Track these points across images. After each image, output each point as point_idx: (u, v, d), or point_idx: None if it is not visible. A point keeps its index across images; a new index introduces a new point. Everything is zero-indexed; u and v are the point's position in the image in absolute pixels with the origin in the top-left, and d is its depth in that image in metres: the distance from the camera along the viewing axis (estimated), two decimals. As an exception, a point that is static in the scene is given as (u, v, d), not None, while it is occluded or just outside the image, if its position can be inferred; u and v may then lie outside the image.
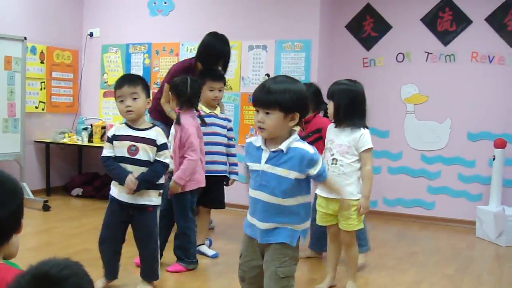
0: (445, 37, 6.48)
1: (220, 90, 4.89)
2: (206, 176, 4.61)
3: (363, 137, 3.79)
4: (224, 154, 4.90)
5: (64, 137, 7.32)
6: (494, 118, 6.30)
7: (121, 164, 3.65)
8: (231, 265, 4.74)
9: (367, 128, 3.87)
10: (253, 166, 2.86)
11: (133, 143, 3.64)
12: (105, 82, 7.80)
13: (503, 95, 6.28)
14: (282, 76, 2.94)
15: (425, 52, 6.57)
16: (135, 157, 3.64)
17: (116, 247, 3.83)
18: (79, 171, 7.86)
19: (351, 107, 3.86)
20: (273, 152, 2.78)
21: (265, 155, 2.80)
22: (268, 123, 2.73)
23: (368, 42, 6.85)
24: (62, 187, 7.63)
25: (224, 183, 5.02)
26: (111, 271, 3.85)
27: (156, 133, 3.70)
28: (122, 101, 3.64)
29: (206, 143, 4.65)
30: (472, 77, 6.38)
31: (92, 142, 7.25)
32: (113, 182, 3.76)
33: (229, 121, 5.07)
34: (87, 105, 7.93)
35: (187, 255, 4.43)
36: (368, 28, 6.84)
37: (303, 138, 3.43)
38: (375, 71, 6.72)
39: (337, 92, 3.93)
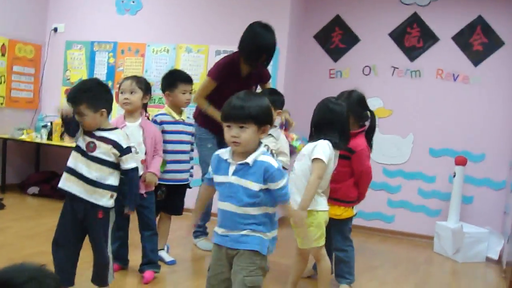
0: (412, 53, 6.55)
1: (190, 93, 4.81)
2: (171, 184, 4.60)
3: (317, 148, 3.75)
4: (188, 161, 4.84)
5: (23, 134, 7.13)
6: (456, 135, 6.39)
7: (78, 154, 3.54)
8: (190, 273, 4.69)
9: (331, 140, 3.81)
10: (220, 178, 2.89)
11: (92, 140, 3.53)
12: (67, 79, 7.63)
13: (466, 113, 6.37)
14: (244, 92, 2.95)
15: (392, 66, 6.63)
16: (92, 154, 3.52)
17: (72, 250, 3.71)
18: (36, 169, 7.67)
19: (324, 124, 3.84)
20: (240, 164, 2.82)
21: (232, 168, 2.84)
22: (243, 137, 2.77)
23: (335, 54, 6.87)
24: (17, 185, 7.42)
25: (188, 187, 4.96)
26: (67, 277, 3.74)
27: (119, 136, 3.63)
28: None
29: (173, 152, 4.59)
30: (436, 94, 6.47)
31: (51, 140, 7.08)
32: (64, 175, 3.59)
33: (194, 126, 5.01)
34: (47, 101, 7.73)
35: (157, 258, 4.41)
36: (336, 39, 6.86)
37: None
38: (341, 82, 6.74)
39: (316, 107, 3.93)
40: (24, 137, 7.11)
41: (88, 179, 3.52)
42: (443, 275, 5.30)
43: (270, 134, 4.48)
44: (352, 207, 4.32)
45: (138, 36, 7.19)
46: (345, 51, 6.83)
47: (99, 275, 3.73)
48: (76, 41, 7.57)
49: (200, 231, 5.45)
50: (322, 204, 3.82)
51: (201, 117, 5.17)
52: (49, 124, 7.14)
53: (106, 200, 3.57)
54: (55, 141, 7.05)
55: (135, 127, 4.19)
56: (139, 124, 4.24)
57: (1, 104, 7.19)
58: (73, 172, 3.56)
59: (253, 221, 2.82)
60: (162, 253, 4.83)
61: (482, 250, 5.77)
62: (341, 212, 4.22)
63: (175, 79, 4.69)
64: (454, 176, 6.05)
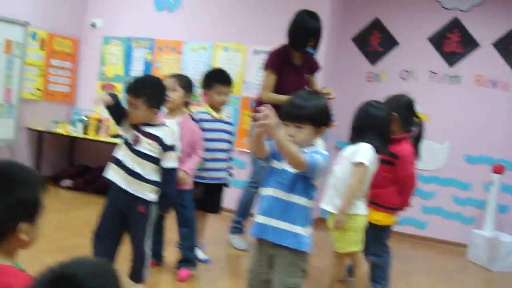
0: (451, 58, 6.48)
1: (227, 94, 4.81)
2: (208, 182, 4.61)
3: (359, 152, 3.73)
4: (226, 160, 4.84)
5: (58, 127, 7.20)
6: (493, 143, 6.31)
7: (125, 146, 3.59)
8: (225, 272, 4.69)
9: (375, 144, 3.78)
10: (275, 163, 2.88)
11: (137, 132, 3.57)
12: (103, 74, 7.69)
13: (505, 121, 6.29)
14: (305, 92, 3.02)
15: (430, 71, 6.57)
16: (136, 147, 3.56)
17: (112, 242, 3.72)
18: (70, 162, 7.75)
19: (364, 127, 3.82)
20: None
21: None
22: (299, 137, 2.81)
23: (373, 57, 6.83)
24: (51, 177, 7.49)
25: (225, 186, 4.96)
26: None
27: (164, 132, 3.64)
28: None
29: (211, 150, 4.59)
30: (475, 100, 6.39)
31: (87, 134, 7.14)
32: (111, 165, 3.64)
33: (233, 125, 5.01)
34: (83, 96, 7.79)
35: (194, 256, 4.42)
36: (374, 42, 6.82)
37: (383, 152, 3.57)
38: (378, 86, 6.69)
39: (357, 110, 3.91)
40: (59, 130, 7.18)
41: (132, 172, 3.56)
42: (478, 284, 5.25)
43: None
44: (393, 214, 4.25)
45: (176, 34, 7.21)
46: (383, 54, 6.79)
47: (135, 270, 3.75)
48: (113, 36, 7.63)
49: (238, 228, 5.44)
50: (361, 208, 3.80)
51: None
52: (85, 118, 7.19)
53: (148, 194, 3.59)
54: (91, 135, 7.11)
55: (173, 124, 4.20)
56: (177, 122, 4.25)
57: (38, 97, 7.27)
58: (119, 164, 3.60)
59: (297, 213, 2.82)
60: (197, 251, 4.84)
61: (518, 260, 5.70)
62: (381, 217, 4.15)
63: (212, 79, 4.69)
64: (491, 184, 5.97)
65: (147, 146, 3.56)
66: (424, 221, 6.55)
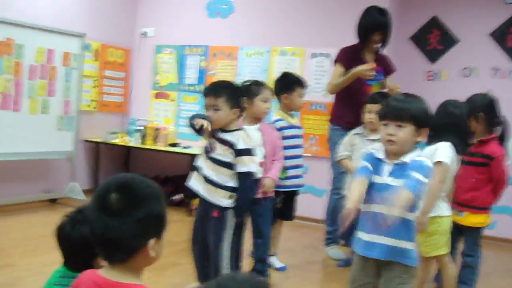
0: (515, 54, 6.37)
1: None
2: (289, 190, 4.56)
3: (438, 151, 3.63)
4: (303, 166, 4.78)
5: (116, 138, 7.20)
6: None
7: (203, 153, 3.62)
8: (303, 280, 4.61)
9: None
10: (377, 178, 2.79)
11: (213, 140, 3.58)
12: (157, 83, 7.68)
13: None
14: (404, 93, 2.99)
15: (493, 68, 6.45)
16: (211, 154, 3.55)
17: (204, 247, 3.68)
18: (126, 172, 7.72)
19: (442, 127, 3.72)
20: (396, 164, 2.74)
21: (387, 168, 2.76)
22: (400, 135, 2.72)
23: (432, 55, 6.74)
24: (109, 188, 7.48)
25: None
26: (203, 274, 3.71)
27: (238, 137, 3.57)
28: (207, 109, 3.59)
29: (292, 157, 4.54)
30: (542, 95, 6.26)
31: (145, 143, 7.11)
32: (194, 174, 3.65)
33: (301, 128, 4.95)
34: (136, 105, 7.80)
35: (265, 267, 4.34)
36: (433, 40, 6.73)
37: (463, 153, 3.47)
38: (439, 84, 6.60)
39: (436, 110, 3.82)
40: (117, 141, 7.17)
41: (208, 179, 3.55)
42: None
43: (378, 139, 4.39)
44: (489, 214, 4.19)
45: (230, 39, 7.18)
46: (442, 52, 6.69)
47: (210, 277, 3.69)
48: (165, 45, 7.62)
49: (331, 239, 5.34)
50: (445, 209, 3.70)
51: (335, 117, 5.22)
52: (142, 128, 7.17)
53: (223, 199, 3.55)
54: (149, 144, 7.08)
55: (253, 130, 4.14)
56: (257, 128, 4.20)
57: (94, 108, 7.27)
58: (199, 171, 3.62)
59: (407, 228, 2.75)
60: (273, 259, 4.78)
61: None
62: (483, 220, 4.11)
63: (293, 82, 4.66)
64: None
65: (221, 152, 3.54)
66: (493, 220, 6.40)
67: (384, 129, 2.77)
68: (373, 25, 5.05)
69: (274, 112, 4.68)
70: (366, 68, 4.82)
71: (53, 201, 6.64)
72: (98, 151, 7.24)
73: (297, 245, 5.59)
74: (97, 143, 7.23)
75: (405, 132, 2.72)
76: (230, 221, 3.58)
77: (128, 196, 1.62)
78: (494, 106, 4.13)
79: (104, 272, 1.67)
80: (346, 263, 4.85)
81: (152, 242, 1.63)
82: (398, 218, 2.68)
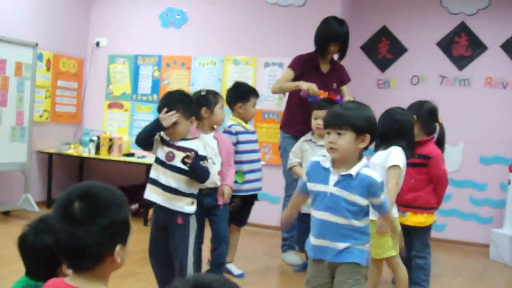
0: (460, 62, 6.60)
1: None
2: (247, 194, 4.62)
3: (391, 154, 3.78)
4: (261, 170, 4.85)
5: (70, 148, 7.13)
6: (507, 143, 6.43)
7: (159, 166, 3.65)
8: (262, 285, 4.67)
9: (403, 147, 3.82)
10: (319, 187, 2.89)
11: (171, 150, 3.63)
12: (110, 93, 7.65)
13: (516, 121, 6.42)
14: (350, 101, 3.07)
15: (440, 75, 6.68)
16: (171, 163, 3.61)
17: (164, 259, 3.73)
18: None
19: (391, 133, 3.84)
20: (342, 175, 2.82)
21: (333, 178, 2.85)
22: (340, 143, 2.80)
23: (383, 64, 6.92)
24: (62, 199, 7.40)
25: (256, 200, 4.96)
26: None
27: (198, 144, 3.68)
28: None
29: (249, 161, 4.62)
30: (486, 102, 6.51)
31: (99, 154, 7.08)
32: (148, 186, 3.69)
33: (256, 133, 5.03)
34: (90, 116, 7.75)
35: (222, 273, 4.38)
36: (383, 50, 6.91)
37: (410, 158, 3.53)
38: (389, 92, 6.79)
39: (381, 117, 3.95)
40: (71, 151, 7.11)
41: (168, 188, 3.61)
42: (507, 282, 5.32)
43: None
44: (433, 214, 4.35)
45: (184, 49, 7.21)
46: (392, 61, 6.88)
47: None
48: (119, 55, 7.59)
49: (287, 245, 5.41)
50: (394, 211, 3.83)
51: (286, 124, 5.27)
52: (96, 138, 7.12)
53: (186, 206, 3.64)
54: (103, 155, 7.04)
55: (210, 138, 4.21)
56: (213, 136, 4.26)
57: (46, 118, 7.20)
58: (155, 183, 3.66)
59: (353, 233, 2.83)
60: (231, 266, 4.83)
61: (542, 256, 5.79)
62: (424, 219, 4.26)
63: (248, 92, 4.74)
64: (509, 183, 6.06)
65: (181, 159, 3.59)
66: (443, 223, 6.61)
67: (327, 137, 2.86)
68: (331, 36, 5.10)
69: (229, 118, 4.75)
70: (310, 89, 4.82)
71: (6, 213, 6.53)
72: (51, 162, 7.14)
73: (254, 252, 5.65)
74: (50, 154, 7.13)
75: (345, 139, 2.79)
76: (193, 226, 3.68)
77: (92, 204, 1.62)
78: (430, 112, 4.39)
79: (70, 280, 1.66)
80: (303, 268, 4.94)
81: (118, 248, 1.64)
82: (346, 225, 2.81)
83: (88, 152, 7.08)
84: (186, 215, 3.64)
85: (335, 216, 2.82)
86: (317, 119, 4.54)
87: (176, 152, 3.62)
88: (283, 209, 5.25)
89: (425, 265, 4.35)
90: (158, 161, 3.67)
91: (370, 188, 2.79)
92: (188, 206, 3.65)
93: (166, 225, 3.66)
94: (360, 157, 2.86)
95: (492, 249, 6.05)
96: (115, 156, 6.99)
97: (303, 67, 5.16)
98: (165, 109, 3.57)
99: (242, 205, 4.70)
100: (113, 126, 7.59)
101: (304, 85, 4.85)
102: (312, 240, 2.94)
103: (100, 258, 1.63)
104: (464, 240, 6.55)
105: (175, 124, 3.58)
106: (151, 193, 3.66)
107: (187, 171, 3.58)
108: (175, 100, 3.65)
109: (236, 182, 4.51)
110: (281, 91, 5.21)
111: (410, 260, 4.29)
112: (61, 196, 1.67)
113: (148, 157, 6.76)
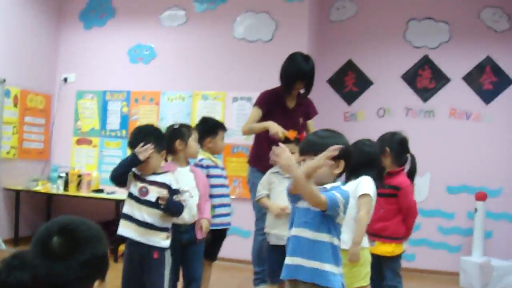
0: (425, 94, 6.77)
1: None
2: (216, 229, 4.61)
3: (360, 184, 3.84)
4: (230, 205, 4.85)
5: (38, 185, 7.05)
6: (472, 172, 6.57)
7: (132, 201, 3.64)
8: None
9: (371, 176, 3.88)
10: (299, 203, 2.90)
11: (144, 185, 3.64)
12: (78, 129, 7.61)
13: (481, 151, 6.57)
14: (322, 130, 3.09)
15: (405, 107, 6.82)
16: (145, 198, 3.62)
17: None
18: (47, 220, 7.52)
19: (361, 165, 3.89)
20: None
21: None
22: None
23: (349, 97, 7.05)
24: (30, 237, 7.28)
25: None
26: None
27: (170, 178, 3.70)
28: None
29: (219, 195, 4.62)
30: (450, 132, 6.67)
31: (67, 190, 7.00)
32: (121, 222, 3.68)
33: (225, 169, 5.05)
34: (58, 152, 7.68)
35: None
36: (349, 83, 7.04)
37: (379, 187, 3.56)
38: (356, 125, 6.89)
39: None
40: (39, 188, 7.02)
41: (143, 223, 3.61)
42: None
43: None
44: (402, 243, 4.39)
45: (152, 85, 7.25)
46: (358, 94, 7.02)
47: None
48: (87, 90, 7.58)
49: (260, 278, 5.37)
50: (365, 241, 3.86)
51: (253, 159, 5.24)
52: (64, 175, 7.06)
53: (161, 240, 3.64)
54: (72, 191, 6.98)
55: (187, 171, 4.22)
56: (189, 169, 4.27)
57: (14, 155, 7.12)
58: (128, 218, 3.66)
59: (327, 252, 2.83)
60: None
61: (510, 282, 5.87)
62: (392, 249, 4.27)
63: (216, 126, 4.77)
64: (476, 211, 6.18)
65: (156, 194, 3.61)
66: (412, 253, 6.67)
67: (303, 164, 2.90)
68: (298, 74, 4.99)
69: (199, 153, 4.76)
70: (277, 132, 4.72)
71: (-28, 252, 6.41)
72: (18, 199, 7.04)
73: (227, 287, 5.61)
74: (17, 191, 7.04)
75: None
76: (168, 260, 3.68)
77: (71, 239, 1.61)
78: (401, 142, 4.42)
79: None
80: (275, 302, 4.94)
81: (96, 284, 1.64)
82: (318, 241, 2.83)
83: (56, 188, 7.01)
84: (161, 250, 3.64)
85: (311, 231, 2.82)
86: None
87: (149, 187, 3.63)
88: (254, 243, 5.26)
89: None
90: (131, 196, 3.66)
91: (338, 189, 2.83)
92: (163, 241, 3.65)
93: (141, 260, 3.64)
94: (334, 181, 2.92)
95: (462, 276, 6.12)
96: (84, 192, 6.93)
97: (269, 104, 5.09)
98: (142, 144, 3.58)
99: (213, 239, 4.69)
100: (82, 162, 7.53)
101: (273, 129, 4.83)
102: (287, 260, 2.95)
103: None
104: (434, 269, 6.62)
105: (148, 159, 3.60)
106: (125, 229, 3.65)
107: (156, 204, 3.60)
108: (147, 134, 3.68)
109: (208, 216, 4.52)
110: (251, 132, 5.20)
111: None
112: (39, 230, 1.65)
113: (118, 193, 6.73)
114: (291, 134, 4.69)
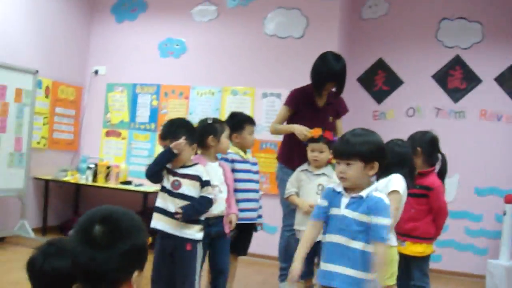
0: (455, 94, 6.72)
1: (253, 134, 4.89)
2: (241, 223, 4.62)
3: (391, 181, 3.81)
4: (257, 200, 4.86)
5: (67, 175, 7.14)
6: (502, 174, 6.51)
7: (165, 194, 3.70)
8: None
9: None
10: (333, 210, 2.93)
11: (176, 178, 3.68)
12: (108, 121, 7.69)
13: (511, 153, 6.50)
14: (359, 128, 3.05)
15: (435, 108, 6.77)
16: (178, 191, 3.66)
17: (169, 283, 3.73)
18: (75, 211, 7.66)
19: (392, 165, 3.86)
20: (353, 197, 2.87)
21: (345, 200, 2.90)
22: (349, 173, 2.87)
23: (379, 96, 7.02)
24: (57, 227, 7.40)
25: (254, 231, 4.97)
26: None
27: (201, 170, 3.74)
28: None
29: (244, 190, 4.63)
30: (480, 134, 6.61)
31: (96, 181, 7.08)
32: (154, 215, 3.72)
33: (257, 165, 5.05)
34: (87, 143, 7.78)
35: None
36: (379, 82, 7.02)
37: (410, 187, 3.56)
38: (385, 124, 6.86)
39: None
40: (68, 178, 7.11)
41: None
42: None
43: (323, 173, 4.57)
44: (432, 244, 4.37)
45: (182, 79, 7.29)
46: (388, 93, 6.99)
47: None
48: (117, 83, 7.66)
49: (285, 274, 5.38)
50: (393, 240, 3.84)
51: (282, 156, 5.25)
52: (93, 165, 7.14)
53: (195, 233, 3.70)
54: (100, 182, 7.05)
55: (216, 166, 4.23)
56: (218, 164, 4.29)
57: (44, 145, 7.22)
58: (162, 211, 3.70)
59: (361, 259, 2.84)
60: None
61: (538, 287, 5.82)
62: (423, 249, 4.26)
63: (242, 121, 4.77)
64: (505, 214, 6.12)
65: (189, 187, 3.67)
66: (438, 254, 6.63)
67: (337, 166, 2.92)
68: (328, 74, 4.95)
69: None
70: (303, 133, 4.75)
71: (1, 239, 6.50)
72: (47, 189, 7.14)
73: (252, 282, 5.64)
74: (47, 180, 7.14)
75: (353, 169, 2.85)
76: (200, 253, 3.73)
77: (113, 229, 1.63)
78: (432, 142, 4.42)
79: None
80: (303, 298, 4.95)
81: (135, 274, 1.66)
82: (353, 247, 2.84)
83: (85, 179, 7.09)
84: (194, 242, 3.69)
85: (346, 238, 2.85)
86: (314, 151, 4.58)
87: (181, 180, 3.68)
88: (281, 239, 5.27)
89: None
90: (164, 189, 3.71)
91: (376, 205, 2.82)
92: (197, 233, 3.71)
93: (173, 252, 3.68)
94: (369, 183, 2.93)
95: (488, 280, 6.06)
96: (112, 184, 6.99)
97: (298, 102, 5.10)
98: (183, 137, 3.62)
99: (239, 233, 4.71)
100: (110, 154, 7.61)
101: (296, 130, 4.86)
102: (321, 265, 2.96)
103: (117, 283, 1.64)
104: (460, 271, 6.58)
105: (180, 151, 3.64)
106: (158, 222, 3.69)
107: (195, 198, 3.65)
108: (179, 126, 3.73)
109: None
110: (277, 133, 5.22)
111: None
112: (81, 218, 1.68)
113: (146, 185, 6.79)
114: (316, 133, 4.68)
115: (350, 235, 2.84)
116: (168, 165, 3.72)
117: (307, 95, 5.11)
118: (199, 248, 3.74)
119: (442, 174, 4.48)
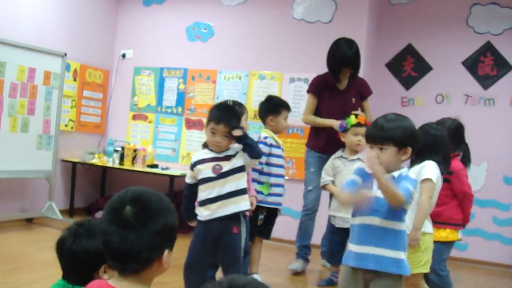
0: (485, 81, 6.61)
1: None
2: (271, 207, 4.63)
3: (424, 169, 3.78)
4: (284, 185, 4.87)
5: (94, 158, 7.19)
6: (532, 163, 6.41)
7: (207, 183, 3.62)
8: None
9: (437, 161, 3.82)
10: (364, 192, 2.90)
11: (216, 162, 3.64)
12: (135, 105, 7.72)
13: (542, 142, 6.41)
14: (392, 113, 3.05)
15: (465, 94, 6.68)
16: (221, 171, 3.62)
17: (203, 273, 3.74)
18: (101, 193, 7.72)
19: (426, 148, 3.82)
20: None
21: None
22: (382, 158, 2.86)
23: (407, 82, 6.94)
24: (84, 209, 7.47)
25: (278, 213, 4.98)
26: None
27: (235, 146, 3.70)
28: (213, 133, 3.62)
29: (277, 175, 4.66)
30: (510, 121, 6.50)
31: (122, 164, 7.13)
32: (198, 210, 3.70)
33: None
34: (114, 126, 7.83)
35: None
36: (408, 68, 6.93)
37: (443, 173, 3.56)
38: (414, 110, 6.77)
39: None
40: (95, 161, 7.17)
41: (222, 196, 3.61)
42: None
43: (358, 158, 4.57)
44: (457, 231, 4.32)
45: (210, 63, 7.29)
46: (417, 79, 6.90)
47: None
48: (144, 67, 7.68)
49: (300, 254, 5.43)
50: (429, 226, 3.81)
51: (311, 141, 5.35)
52: (120, 148, 7.18)
53: (243, 204, 3.67)
54: (127, 165, 7.09)
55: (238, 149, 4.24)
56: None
57: (71, 128, 7.28)
58: (206, 202, 3.65)
59: (395, 238, 2.85)
60: (257, 277, 4.81)
61: None
62: (446, 234, 4.23)
63: (280, 105, 4.79)
64: (534, 204, 6.05)
65: (233, 162, 3.63)
66: (465, 243, 6.58)
67: (370, 151, 2.90)
68: (342, 60, 5.16)
69: (262, 130, 4.80)
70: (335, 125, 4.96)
71: (29, 220, 6.59)
72: (75, 171, 7.21)
73: (279, 265, 5.64)
74: (74, 163, 7.21)
75: (387, 154, 2.86)
76: (244, 232, 3.75)
77: (144, 209, 1.66)
78: (457, 129, 4.46)
79: (114, 282, 1.69)
80: (327, 282, 4.95)
81: (166, 253, 1.68)
82: (388, 228, 2.83)
83: (112, 162, 7.14)
84: (239, 223, 3.67)
85: (380, 219, 2.85)
86: (358, 135, 4.62)
87: (221, 162, 3.64)
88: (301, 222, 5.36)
89: (444, 284, 4.26)
90: (204, 180, 3.65)
91: (403, 177, 2.84)
92: (245, 202, 3.69)
93: (220, 237, 3.65)
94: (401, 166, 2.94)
95: (515, 269, 6.02)
96: (139, 167, 7.03)
97: (319, 88, 5.32)
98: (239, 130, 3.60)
99: (267, 216, 4.73)
100: (137, 137, 7.65)
101: (335, 126, 4.99)
102: (353, 248, 2.95)
103: (149, 262, 1.66)
104: (487, 260, 6.50)
105: (226, 136, 3.60)
106: (203, 213, 3.65)
107: (241, 167, 3.63)
108: (233, 115, 3.66)
109: (261, 193, 4.55)
110: (314, 125, 5.33)
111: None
112: (112, 199, 1.72)
113: (172, 169, 6.83)
114: (363, 118, 4.73)
115: (383, 216, 2.85)
116: (204, 155, 3.69)
117: (327, 80, 5.30)
118: (243, 229, 3.73)
119: (464, 164, 4.45)
